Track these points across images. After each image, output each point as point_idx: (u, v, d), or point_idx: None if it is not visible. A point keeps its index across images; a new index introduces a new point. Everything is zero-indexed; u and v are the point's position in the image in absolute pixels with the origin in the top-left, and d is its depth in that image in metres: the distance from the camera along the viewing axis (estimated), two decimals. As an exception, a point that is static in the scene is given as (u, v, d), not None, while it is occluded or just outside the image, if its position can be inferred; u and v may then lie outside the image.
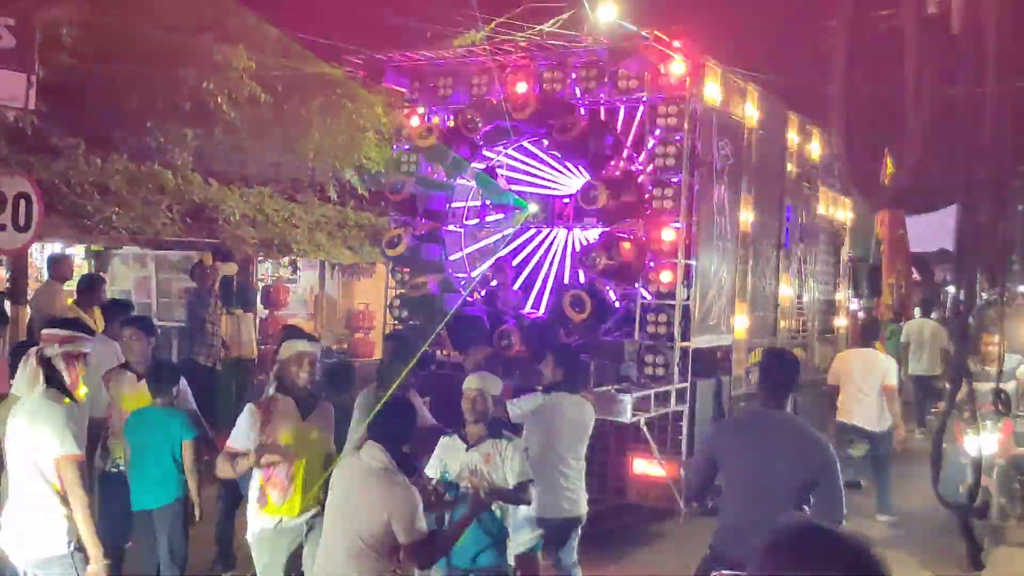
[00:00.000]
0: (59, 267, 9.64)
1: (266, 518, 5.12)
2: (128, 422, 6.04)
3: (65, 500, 4.57)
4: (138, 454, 5.97)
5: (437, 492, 5.07)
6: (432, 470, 5.41)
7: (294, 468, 5.09)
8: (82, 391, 4.79)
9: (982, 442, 7.40)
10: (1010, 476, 8.34)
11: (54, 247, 11.62)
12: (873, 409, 8.98)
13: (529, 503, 5.39)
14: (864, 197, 9.09)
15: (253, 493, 5.18)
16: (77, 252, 12.32)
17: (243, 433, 5.07)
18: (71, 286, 9.87)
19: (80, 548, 4.60)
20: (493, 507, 5.18)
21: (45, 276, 10.16)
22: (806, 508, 4.50)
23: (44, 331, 4.79)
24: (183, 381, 6.33)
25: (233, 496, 6.82)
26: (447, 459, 5.30)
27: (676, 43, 7.87)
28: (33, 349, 4.73)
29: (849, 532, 1.83)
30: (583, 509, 6.18)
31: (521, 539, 5.80)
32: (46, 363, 4.65)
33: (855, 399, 9.04)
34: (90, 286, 8.95)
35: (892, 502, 9.04)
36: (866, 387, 9.01)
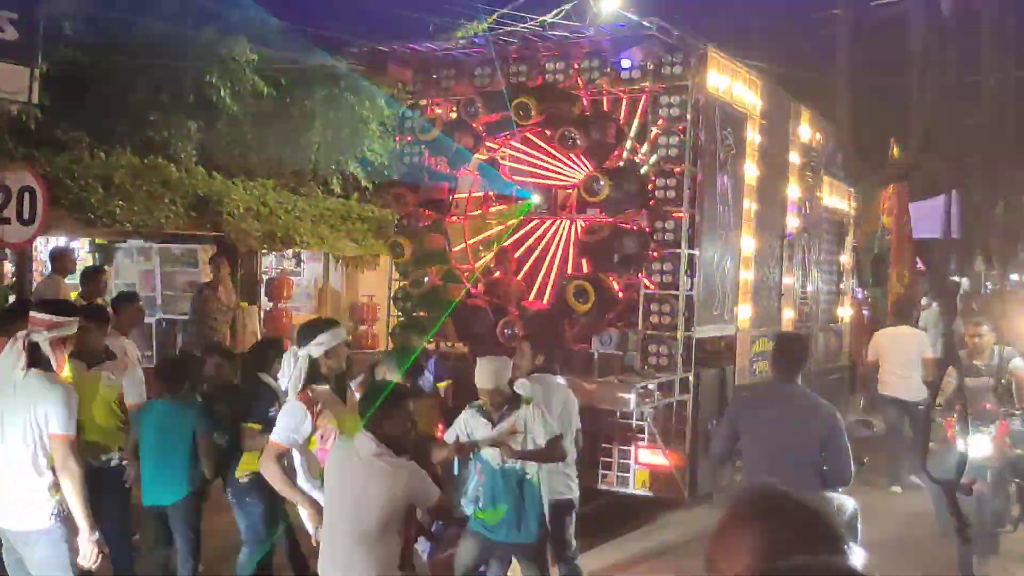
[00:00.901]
0: (61, 261, 9.68)
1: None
2: (136, 416, 6.06)
3: (54, 474, 4.64)
4: (150, 449, 5.93)
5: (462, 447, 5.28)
6: (451, 438, 5.52)
7: None
8: (65, 374, 4.82)
9: (973, 444, 7.04)
10: (1005, 480, 7.59)
11: (58, 240, 11.66)
12: (911, 381, 9.69)
13: (563, 458, 5.59)
14: (871, 173, 9.13)
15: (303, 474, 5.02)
16: (81, 245, 12.37)
17: (294, 427, 4.89)
18: (74, 279, 9.93)
19: (66, 523, 4.66)
20: (530, 477, 5.34)
21: (48, 270, 10.21)
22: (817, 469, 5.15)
23: (32, 314, 4.79)
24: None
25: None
26: (473, 432, 5.46)
27: (678, 33, 7.87)
28: (21, 332, 4.75)
29: (806, 496, 1.90)
30: (576, 492, 6.22)
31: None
32: (33, 346, 4.67)
33: (893, 373, 9.81)
34: (93, 278, 9.00)
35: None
36: (903, 361, 9.77)
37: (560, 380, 6.39)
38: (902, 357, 9.77)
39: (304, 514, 4.91)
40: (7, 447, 4.65)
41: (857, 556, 2.99)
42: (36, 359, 4.67)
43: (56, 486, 4.66)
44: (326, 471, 4.52)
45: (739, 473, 8.85)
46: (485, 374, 5.43)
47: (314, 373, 5.02)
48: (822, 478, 5.20)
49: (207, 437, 5.94)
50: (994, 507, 7.46)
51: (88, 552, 4.63)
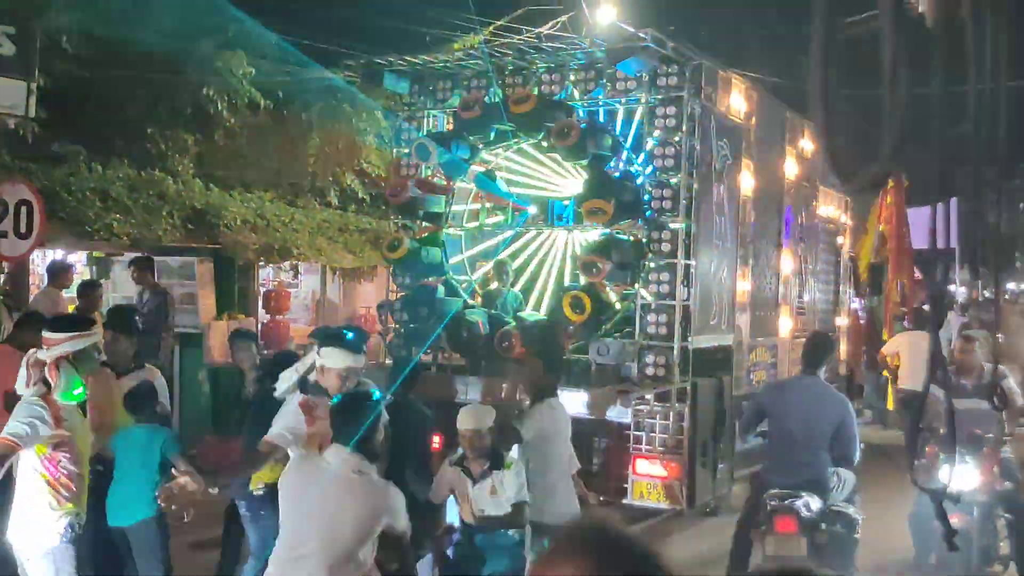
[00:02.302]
0: (60, 276, 9.68)
1: None
2: (114, 441, 5.93)
3: (54, 491, 4.67)
4: (119, 472, 5.80)
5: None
6: (437, 496, 5.49)
7: None
8: (64, 392, 4.73)
9: (957, 475, 6.36)
10: (993, 515, 6.88)
11: (55, 254, 11.66)
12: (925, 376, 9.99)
13: (522, 526, 5.44)
14: (843, 182, 9.15)
15: None
16: (78, 259, 12.35)
17: (290, 426, 4.89)
18: (71, 293, 9.92)
19: (74, 543, 4.68)
20: (510, 533, 5.33)
21: (45, 283, 10.20)
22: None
23: (44, 334, 4.83)
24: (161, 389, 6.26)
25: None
26: (458, 494, 5.43)
27: (673, 44, 7.90)
28: (32, 351, 4.79)
29: (634, 533, 1.87)
30: (577, 508, 6.24)
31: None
32: (39, 366, 4.71)
33: (913, 369, 10.60)
34: (89, 292, 9.00)
35: None
36: (919, 360, 10.32)
37: (558, 400, 6.34)
38: (917, 357, 10.44)
39: None
40: (21, 467, 4.70)
41: None
42: (43, 378, 4.70)
43: (60, 503, 4.68)
44: (284, 488, 4.21)
45: (737, 483, 8.87)
46: (468, 417, 5.41)
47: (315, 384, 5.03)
48: (832, 456, 6.21)
49: (180, 457, 5.75)
50: (981, 545, 6.73)
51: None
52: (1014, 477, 7.01)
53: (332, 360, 4.91)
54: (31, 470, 4.71)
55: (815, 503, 6.05)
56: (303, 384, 5.03)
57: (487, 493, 5.28)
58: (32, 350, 4.80)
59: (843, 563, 6.17)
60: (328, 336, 5.13)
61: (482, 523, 5.24)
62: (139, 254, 10.93)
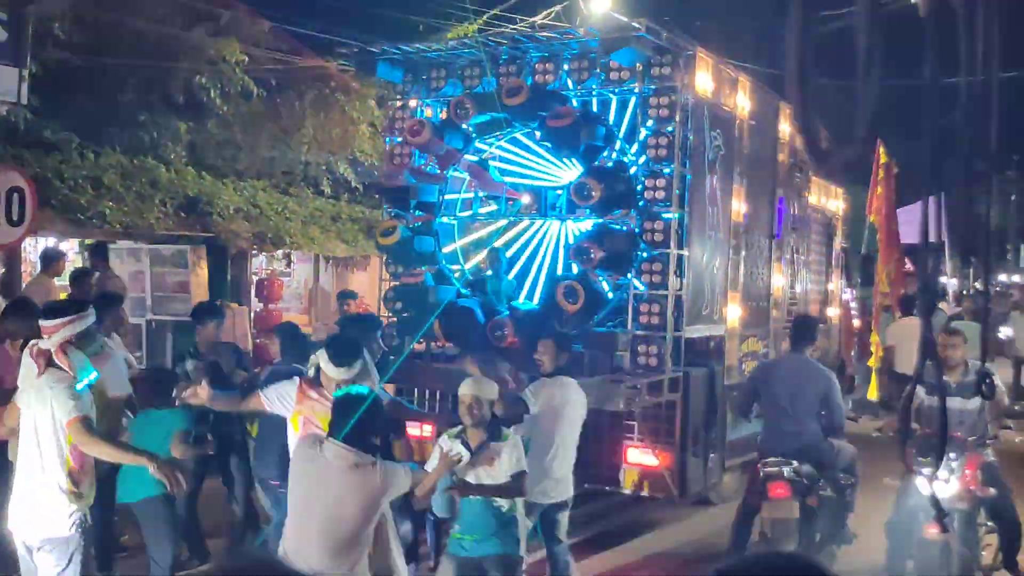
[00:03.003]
0: (53, 264, 9.66)
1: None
2: (133, 423, 6.25)
3: (74, 482, 4.67)
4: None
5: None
6: (429, 466, 5.49)
7: None
8: (82, 373, 4.77)
9: (938, 485, 5.94)
10: (973, 523, 6.53)
11: (47, 241, 11.63)
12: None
13: (523, 495, 5.45)
14: (817, 165, 9.38)
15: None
16: (71, 246, 12.33)
17: (280, 393, 5.28)
18: (63, 281, 9.89)
19: (84, 535, 4.69)
20: (504, 507, 5.28)
21: (38, 271, 10.18)
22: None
23: (40, 322, 4.83)
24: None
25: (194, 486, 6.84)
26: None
27: (667, 34, 7.89)
28: (33, 342, 4.80)
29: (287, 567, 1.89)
30: (571, 492, 6.30)
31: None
32: (45, 355, 4.71)
33: (908, 353, 10.82)
34: (81, 280, 8.98)
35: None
36: (915, 344, 10.08)
37: (575, 382, 6.42)
38: (914, 342, 10.16)
39: None
40: (37, 452, 4.69)
41: None
42: (52, 363, 4.72)
43: (78, 494, 4.69)
44: (292, 474, 4.44)
45: (728, 472, 8.92)
46: (469, 384, 5.44)
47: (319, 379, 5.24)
48: (821, 425, 6.90)
49: (179, 434, 5.99)
50: (963, 556, 6.35)
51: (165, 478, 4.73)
52: (999, 483, 6.59)
53: (327, 368, 5.14)
54: (55, 457, 4.67)
55: (806, 469, 6.66)
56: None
57: (484, 464, 5.27)
58: (33, 342, 4.79)
59: (835, 524, 6.99)
60: (328, 345, 5.34)
61: (476, 492, 5.23)
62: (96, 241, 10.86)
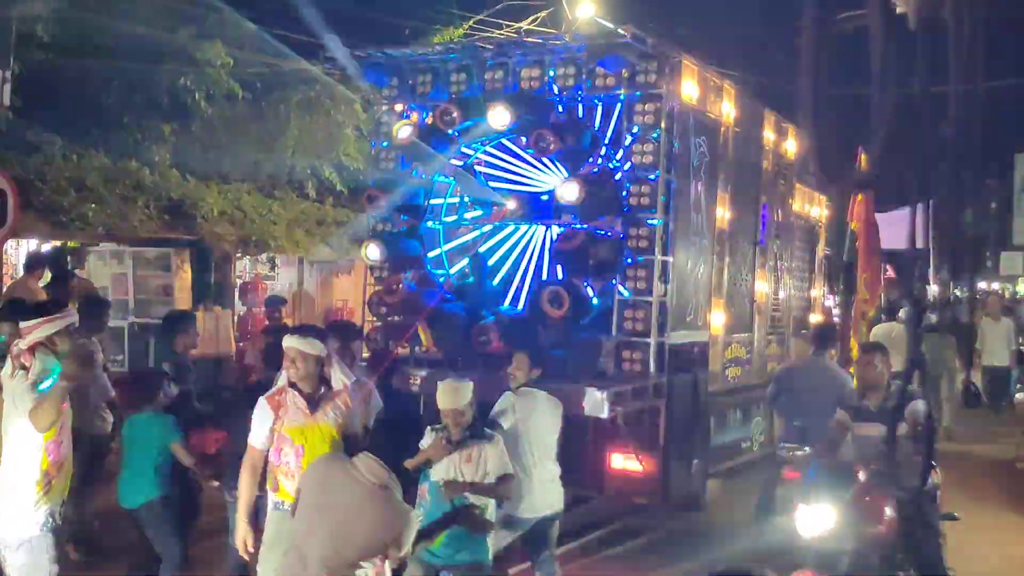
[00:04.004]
0: (37, 266, 9.58)
1: (275, 498, 5.14)
2: (124, 427, 6.38)
3: (44, 483, 4.65)
4: (126, 458, 6.22)
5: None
6: (411, 464, 5.45)
7: (303, 458, 5.05)
8: (38, 378, 4.70)
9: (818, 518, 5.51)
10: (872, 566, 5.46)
11: (29, 243, 11.53)
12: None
13: (509, 498, 5.45)
14: (833, 184, 9.69)
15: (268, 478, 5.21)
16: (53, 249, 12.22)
17: (259, 428, 5.13)
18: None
19: (54, 533, 4.67)
20: (479, 508, 5.28)
21: (20, 273, 10.08)
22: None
23: (20, 324, 4.85)
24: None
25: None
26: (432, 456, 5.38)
27: (652, 41, 7.90)
28: (16, 342, 4.84)
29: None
30: (562, 504, 6.28)
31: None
32: (18, 356, 4.73)
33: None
34: (64, 283, 8.91)
35: None
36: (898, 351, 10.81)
37: (546, 394, 6.39)
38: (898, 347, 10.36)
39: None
40: (12, 452, 4.68)
41: None
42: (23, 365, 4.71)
43: (47, 492, 4.67)
44: (307, 482, 4.24)
45: (712, 478, 8.92)
46: (447, 395, 5.44)
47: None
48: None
49: (179, 444, 6.16)
50: None
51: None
52: (922, 529, 5.71)
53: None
54: (33, 452, 4.65)
55: None
56: None
57: (463, 460, 5.33)
58: (16, 341, 4.81)
59: None
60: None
61: (465, 489, 5.26)
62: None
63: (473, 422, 5.48)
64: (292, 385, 5.11)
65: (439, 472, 5.37)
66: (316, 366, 5.10)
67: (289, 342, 5.12)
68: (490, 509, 5.45)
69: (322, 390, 5.17)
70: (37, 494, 4.66)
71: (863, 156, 12.07)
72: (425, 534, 4.95)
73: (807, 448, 6.88)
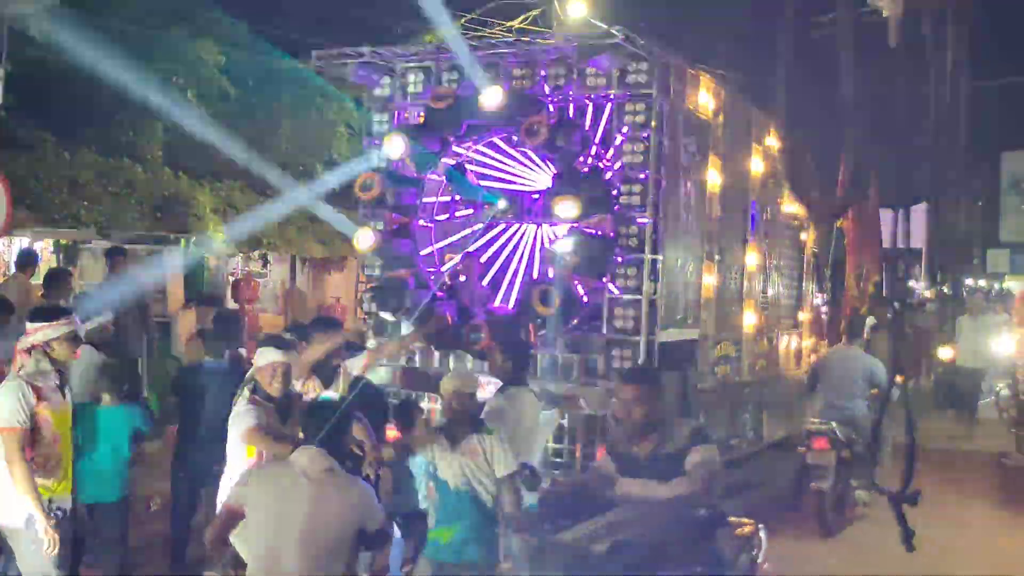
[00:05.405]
0: (28, 264, 9.55)
1: None
2: (77, 415, 5.97)
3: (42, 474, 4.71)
4: (84, 449, 5.82)
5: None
6: (417, 467, 5.47)
7: None
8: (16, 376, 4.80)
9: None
10: None
11: (22, 241, 11.49)
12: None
13: (536, 487, 5.46)
14: (810, 211, 10.34)
15: None
16: (46, 246, 12.19)
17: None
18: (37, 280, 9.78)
19: (55, 521, 4.73)
20: (483, 499, 5.25)
21: (12, 270, 10.05)
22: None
23: (27, 325, 4.96)
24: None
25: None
26: (436, 458, 5.34)
27: (643, 41, 7.91)
28: (21, 339, 4.96)
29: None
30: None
31: None
32: (17, 355, 4.88)
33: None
34: (57, 280, 8.88)
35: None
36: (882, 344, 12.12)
37: (530, 394, 6.40)
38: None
39: None
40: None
41: None
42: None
43: (43, 486, 4.78)
44: (258, 499, 4.12)
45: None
46: (451, 380, 5.48)
47: (258, 389, 5.25)
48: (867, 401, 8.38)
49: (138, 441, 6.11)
50: None
51: (46, 542, 4.64)
52: None
53: (273, 355, 5.23)
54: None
55: (844, 431, 8.45)
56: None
57: (468, 456, 5.26)
58: (23, 338, 4.91)
59: (862, 473, 8.67)
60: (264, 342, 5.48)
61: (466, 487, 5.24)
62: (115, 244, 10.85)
63: (472, 415, 5.47)
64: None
65: (444, 470, 5.32)
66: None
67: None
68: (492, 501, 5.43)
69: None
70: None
71: (841, 175, 12.02)
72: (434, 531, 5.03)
73: (833, 424, 8.39)
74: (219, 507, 4.75)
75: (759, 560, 4.48)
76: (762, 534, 4.64)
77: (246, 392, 5.25)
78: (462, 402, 5.35)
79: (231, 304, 13.78)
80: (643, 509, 4.14)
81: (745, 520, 4.54)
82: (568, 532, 4.05)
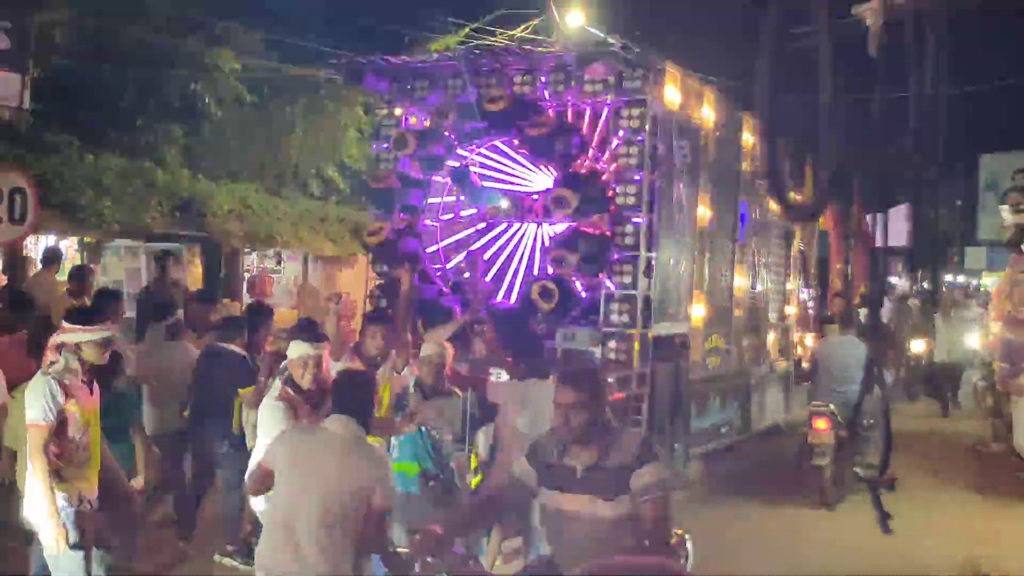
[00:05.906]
0: (53, 261, 9.56)
1: None
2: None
3: (57, 468, 4.69)
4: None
5: None
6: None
7: None
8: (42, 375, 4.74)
9: None
10: None
11: (48, 239, 11.50)
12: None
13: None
14: (785, 212, 10.12)
15: None
16: (70, 244, 12.20)
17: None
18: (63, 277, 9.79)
19: (71, 515, 4.68)
20: (447, 451, 5.60)
21: (39, 267, 10.06)
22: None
23: (63, 323, 4.88)
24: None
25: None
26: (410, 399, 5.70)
27: (638, 49, 7.92)
28: (54, 335, 4.85)
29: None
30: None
31: None
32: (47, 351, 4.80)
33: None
34: (81, 277, 8.89)
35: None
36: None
37: (547, 383, 6.39)
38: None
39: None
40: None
41: None
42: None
43: (61, 480, 4.68)
44: (287, 456, 4.13)
45: (693, 459, 8.98)
46: (429, 345, 5.96)
47: (291, 381, 5.18)
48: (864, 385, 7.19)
49: (139, 428, 6.04)
50: None
51: (52, 539, 4.61)
52: None
53: (304, 348, 5.19)
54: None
55: (843, 412, 8.42)
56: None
57: (436, 413, 5.57)
58: (55, 335, 4.83)
59: (862, 449, 8.64)
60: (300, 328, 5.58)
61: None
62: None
63: (442, 385, 5.83)
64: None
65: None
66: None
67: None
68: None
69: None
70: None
71: (808, 178, 11.89)
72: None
73: (832, 407, 8.48)
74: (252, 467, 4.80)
75: (687, 570, 3.99)
76: (689, 545, 4.33)
77: (278, 384, 5.21)
78: (439, 366, 5.77)
79: (247, 299, 13.78)
80: (576, 528, 3.44)
81: (677, 531, 4.12)
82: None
